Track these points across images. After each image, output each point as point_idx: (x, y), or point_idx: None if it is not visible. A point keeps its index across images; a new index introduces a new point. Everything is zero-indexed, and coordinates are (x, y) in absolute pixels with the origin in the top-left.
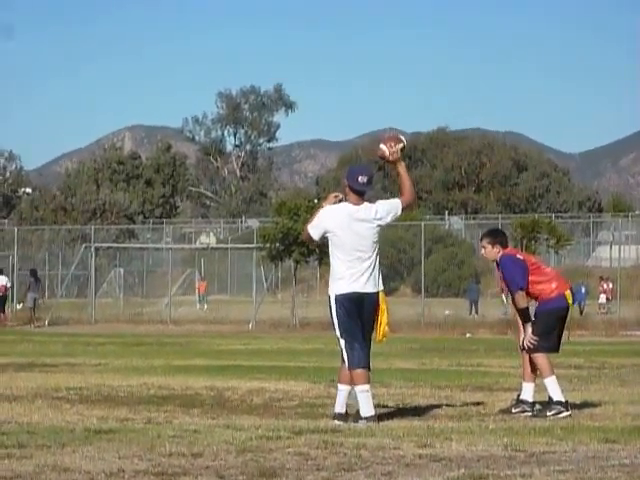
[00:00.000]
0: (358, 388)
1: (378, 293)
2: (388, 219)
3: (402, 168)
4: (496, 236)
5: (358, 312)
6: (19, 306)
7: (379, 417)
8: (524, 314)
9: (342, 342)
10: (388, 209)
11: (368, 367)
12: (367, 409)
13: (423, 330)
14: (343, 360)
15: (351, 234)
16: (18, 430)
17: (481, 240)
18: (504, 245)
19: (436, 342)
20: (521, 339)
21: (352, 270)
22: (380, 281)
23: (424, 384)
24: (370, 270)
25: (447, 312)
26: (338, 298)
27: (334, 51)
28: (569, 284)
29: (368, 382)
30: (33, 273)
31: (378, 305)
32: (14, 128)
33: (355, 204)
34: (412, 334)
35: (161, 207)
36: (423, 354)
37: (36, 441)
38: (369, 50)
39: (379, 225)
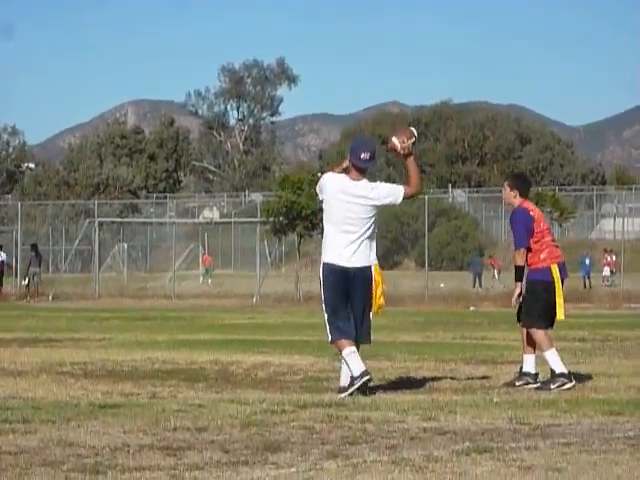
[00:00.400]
0: (344, 352)
1: (369, 267)
2: (385, 201)
3: (412, 162)
4: (516, 181)
5: (344, 286)
6: (24, 281)
7: (385, 388)
8: (517, 272)
9: (325, 314)
10: (388, 192)
11: (352, 338)
12: (356, 367)
13: (427, 303)
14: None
15: (341, 206)
16: (23, 405)
17: (504, 180)
18: (522, 194)
19: (440, 315)
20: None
21: (338, 242)
22: (373, 255)
23: (428, 357)
24: (356, 245)
25: (442, 285)
26: (326, 267)
27: (337, 24)
28: (560, 258)
29: (352, 345)
30: (34, 247)
31: (370, 279)
32: (17, 103)
33: (354, 179)
34: (416, 307)
35: (164, 182)
36: (427, 327)
37: (40, 416)
38: (373, 23)
39: (374, 205)
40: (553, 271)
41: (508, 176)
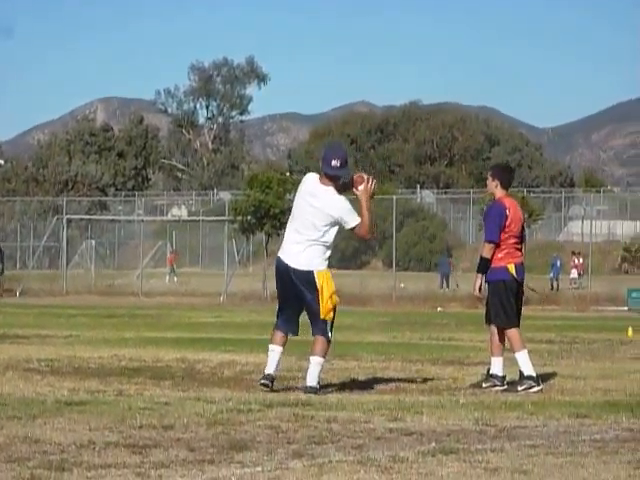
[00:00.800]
0: (269, 346)
1: (309, 272)
2: (339, 220)
3: (368, 205)
4: (497, 172)
5: (285, 281)
6: None
7: (351, 388)
8: (481, 263)
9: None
10: (341, 218)
11: (285, 332)
12: (270, 366)
13: (394, 304)
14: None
15: (301, 206)
16: None
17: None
18: (504, 185)
19: (407, 316)
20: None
21: (287, 237)
22: (319, 261)
23: (395, 358)
24: (302, 248)
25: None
26: (275, 260)
27: (307, 23)
28: (519, 259)
29: (279, 345)
30: None
31: (310, 284)
32: None
33: (324, 184)
34: (383, 308)
35: (133, 179)
36: (394, 328)
37: (7, 412)
38: (342, 23)
39: (330, 216)
40: (510, 270)
41: (493, 166)
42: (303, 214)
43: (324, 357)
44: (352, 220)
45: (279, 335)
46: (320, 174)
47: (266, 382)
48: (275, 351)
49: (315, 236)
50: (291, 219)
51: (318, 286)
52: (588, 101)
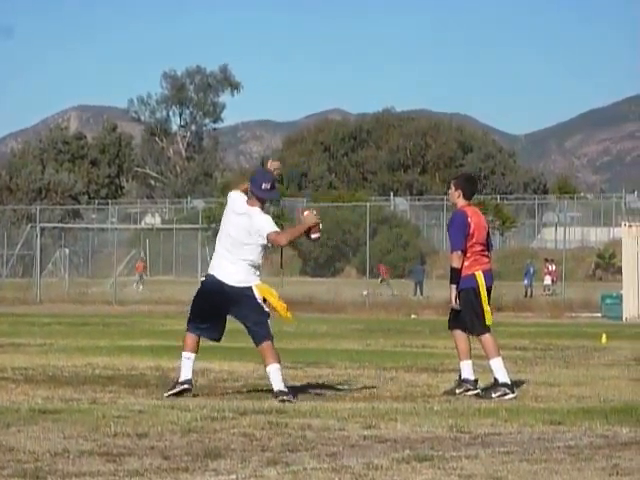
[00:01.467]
0: (183, 354)
1: (248, 288)
2: (258, 232)
3: (301, 230)
4: (462, 182)
5: (215, 296)
6: None
7: (325, 396)
8: (452, 274)
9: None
10: (262, 227)
11: (197, 336)
12: (184, 374)
13: (368, 311)
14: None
15: (228, 224)
16: None
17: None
18: (466, 195)
19: (381, 323)
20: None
21: (219, 254)
22: (253, 278)
23: (369, 365)
24: (229, 264)
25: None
26: (203, 279)
27: (280, 31)
28: (487, 266)
29: (191, 351)
30: None
31: (249, 297)
32: None
33: (250, 204)
34: (357, 315)
35: (106, 187)
36: (368, 335)
37: None
38: (315, 30)
39: (259, 239)
40: (478, 277)
41: (456, 176)
42: (232, 233)
43: (279, 362)
44: (271, 228)
45: (191, 341)
46: (248, 195)
47: (188, 387)
48: (189, 358)
49: (246, 254)
50: (219, 237)
51: (259, 299)
52: (561, 108)
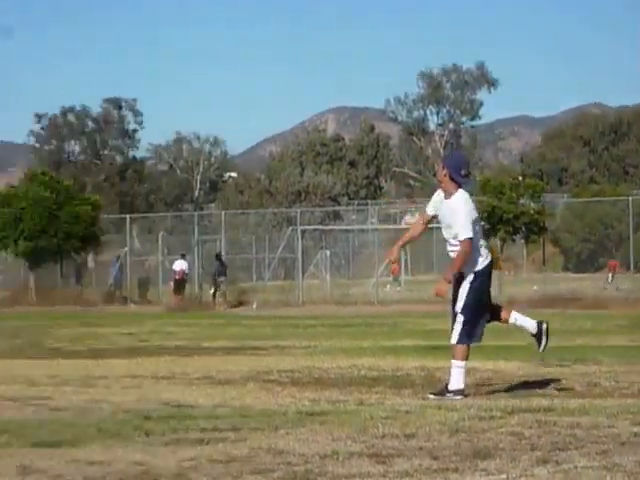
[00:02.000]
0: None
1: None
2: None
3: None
4: None
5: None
6: (211, 290)
7: (594, 393)
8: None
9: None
10: (454, 221)
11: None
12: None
13: (631, 306)
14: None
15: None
16: (232, 413)
17: None
18: None
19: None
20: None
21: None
22: (479, 261)
23: (637, 361)
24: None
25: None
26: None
27: (533, 28)
28: None
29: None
30: (218, 257)
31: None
32: (218, 114)
33: (448, 192)
34: (620, 310)
35: (365, 188)
36: (632, 330)
37: (249, 424)
38: (566, 26)
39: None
40: None
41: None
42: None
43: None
44: (459, 232)
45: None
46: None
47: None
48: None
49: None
50: (477, 230)
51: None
52: None
